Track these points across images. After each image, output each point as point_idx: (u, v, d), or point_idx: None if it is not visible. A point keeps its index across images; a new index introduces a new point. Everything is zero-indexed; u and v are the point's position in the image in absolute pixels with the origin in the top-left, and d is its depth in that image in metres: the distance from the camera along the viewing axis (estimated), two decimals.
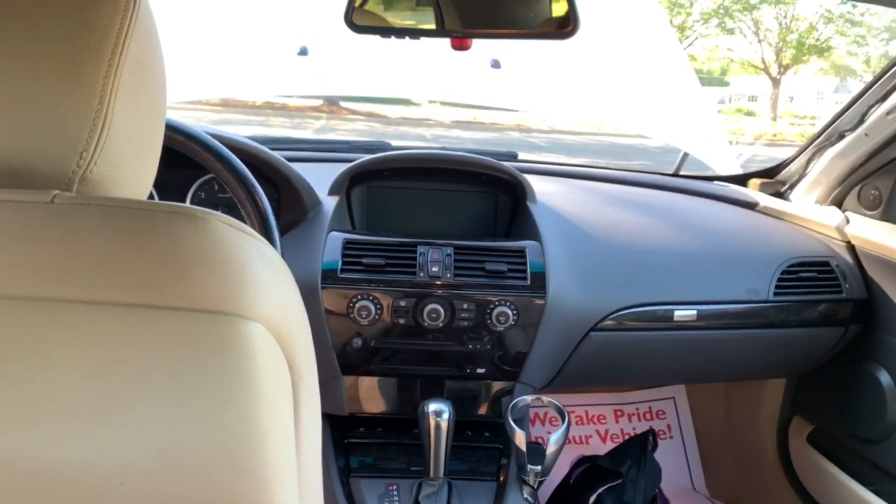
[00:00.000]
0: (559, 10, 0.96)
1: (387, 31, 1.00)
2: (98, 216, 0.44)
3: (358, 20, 0.98)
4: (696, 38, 14.99)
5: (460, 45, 1.01)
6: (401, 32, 1.00)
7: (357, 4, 0.97)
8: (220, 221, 0.46)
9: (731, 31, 14.87)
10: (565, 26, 0.95)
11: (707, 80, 17.86)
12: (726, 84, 18.32)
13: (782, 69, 14.59)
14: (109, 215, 0.44)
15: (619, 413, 2.02)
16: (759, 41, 14.58)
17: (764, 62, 14.76)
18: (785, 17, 14.25)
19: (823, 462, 1.57)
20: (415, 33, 1.00)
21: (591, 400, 2.03)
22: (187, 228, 0.44)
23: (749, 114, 16.25)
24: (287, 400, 0.47)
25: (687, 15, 14.26)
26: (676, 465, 1.98)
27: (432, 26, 0.99)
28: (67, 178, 0.46)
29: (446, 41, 1.03)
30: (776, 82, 14.61)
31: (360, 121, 12.12)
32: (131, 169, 0.51)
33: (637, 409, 2.03)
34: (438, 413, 1.18)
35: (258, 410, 0.42)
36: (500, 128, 12.08)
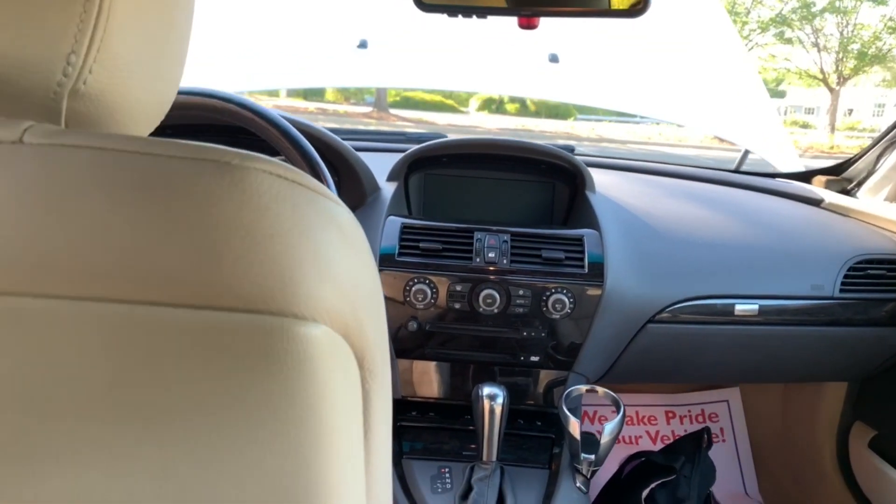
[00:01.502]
0: None
1: (455, 9, 1.00)
2: (86, 166, 0.30)
3: None
4: (753, 48, 14.68)
5: (528, 23, 1.01)
6: (468, 11, 1.00)
7: None
8: (267, 171, 0.33)
9: (789, 41, 14.53)
10: (636, 5, 0.94)
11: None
12: (782, 95, 17.90)
13: (842, 80, 14.17)
14: (103, 164, 0.30)
15: (670, 415, 1.99)
16: (819, 51, 14.20)
17: (822, 72, 14.37)
18: (846, 25, 13.85)
19: (886, 468, 1.51)
20: (482, 11, 1.00)
21: (642, 401, 2.00)
22: (219, 185, 0.31)
23: (805, 126, 15.85)
24: (356, 409, 0.36)
25: (743, 24, 13.99)
26: (729, 469, 1.93)
27: (501, 4, 0.99)
28: (52, 95, 0.34)
29: (512, 24, 1.03)
30: (835, 93, 14.20)
31: (409, 127, 12.27)
32: (141, 83, 0.38)
33: (689, 410, 1.99)
34: (493, 397, 1.18)
35: (318, 441, 0.31)
36: (548, 136, 12.08)
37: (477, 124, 13.31)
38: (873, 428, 1.59)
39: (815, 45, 14.17)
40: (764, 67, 16.43)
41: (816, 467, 1.74)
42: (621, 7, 0.95)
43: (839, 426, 1.68)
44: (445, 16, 1.05)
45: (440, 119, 13.39)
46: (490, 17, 1.03)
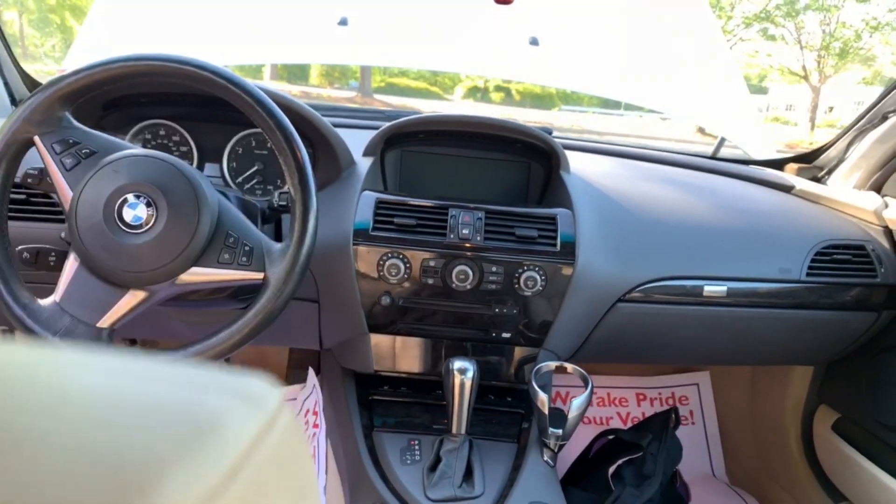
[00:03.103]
0: None
1: None
2: None
3: None
4: (736, 43, 14.76)
5: (504, 0, 1.02)
6: None
7: None
8: None
9: (772, 38, 14.62)
10: None
11: (745, 86, 17.56)
12: (765, 91, 18.03)
13: (823, 77, 14.31)
14: None
15: (641, 397, 2.02)
16: (801, 48, 14.31)
17: (805, 70, 14.49)
18: (829, 24, 13.97)
19: (849, 451, 1.55)
20: None
21: (613, 382, 2.03)
22: None
23: (786, 123, 15.99)
24: None
25: (728, 18, 14.06)
26: (697, 451, 1.96)
27: None
28: None
29: (490, 5, 1.04)
30: (816, 91, 14.34)
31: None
32: None
33: (660, 393, 2.02)
34: (463, 370, 1.19)
35: None
36: (532, 125, 12.08)
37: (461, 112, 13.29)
38: (837, 411, 1.63)
39: (798, 42, 14.28)
40: (748, 63, 16.53)
41: (782, 449, 1.77)
42: None
43: (804, 409, 1.71)
44: None
45: (424, 106, 13.36)
46: None
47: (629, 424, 1.96)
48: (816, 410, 1.69)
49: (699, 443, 1.97)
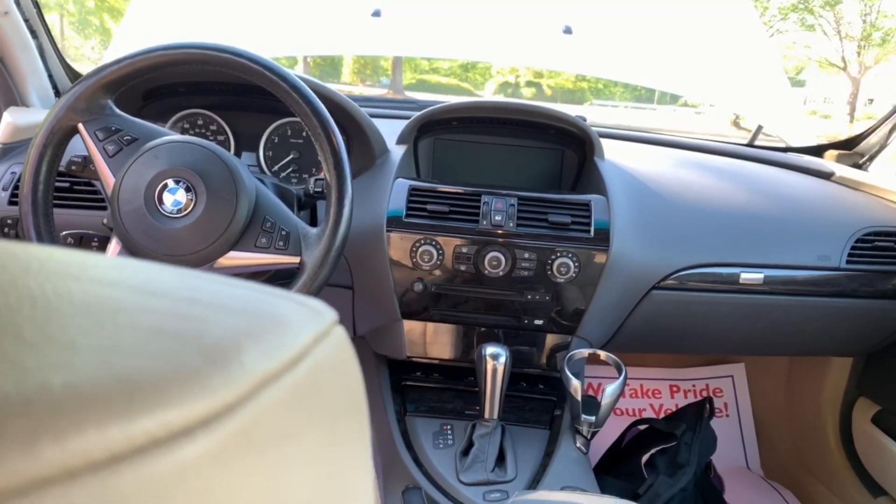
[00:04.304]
0: None
1: None
2: None
3: None
4: (774, 34, 14.46)
5: None
6: None
7: None
8: None
9: (811, 28, 14.29)
10: None
11: None
12: (802, 84, 17.65)
13: (862, 69, 13.94)
14: None
15: (675, 389, 2.00)
16: (840, 39, 13.96)
17: (844, 61, 14.14)
18: (869, 13, 13.61)
19: (890, 444, 1.51)
20: None
21: (647, 374, 2.01)
22: None
23: (825, 117, 15.62)
24: None
25: (764, 9, 13.78)
26: (731, 444, 1.94)
27: None
28: None
29: None
30: (856, 82, 13.98)
31: None
32: None
33: (694, 385, 2.00)
34: (495, 356, 1.20)
35: None
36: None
37: None
38: (877, 403, 1.60)
39: (837, 33, 13.92)
40: (784, 55, 16.19)
41: (819, 443, 1.74)
42: None
43: (843, 402, 1.68)
44: None
45: (455, 101, 13.34)
46: None
47: (662, 416, 1.94)
48: (856, 403, 1.66)
49: (734, 435, 1.95)
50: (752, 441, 1.95)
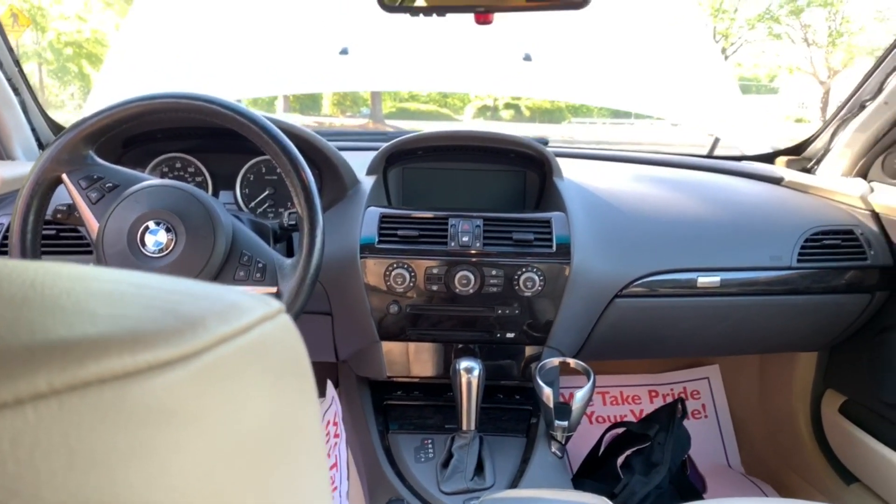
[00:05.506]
0: None
1: (415, 9, 1.09)
2: None
3: (389, 0, 1.08)
4: (742, 45, 14.79)
5: (483, 19, 1.10)
6: (428, 10, 1.10)
7: None
8: None
9: (778, 36, 14.62)
10: None
11: (755, 87, 17.58)
12: (775, 91, 17.98)
13: (831, 73, 14.26)
14: None
15: (653, 393, 2.06)
16: (808, 45, 14.30)
17: (813, 66, 14.46)
18: (833, 19, 13.96)
19: (856, 431, 1.58)
20: (441, 10, 1.09)
21: (626, 381, 2.08)
22: None
23: (799, 120, 15.92)
24: None
25: (731, 21, 14.10)
26: (712, 443, 2.00)
27: (458, 3, 1.08)
28: None
29: (478, 25, 1.12)
30: (825, 86, 14.29)
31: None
32: None
33: (671, 389, 2.06)
34: (469, 370, 1.26)
35: None
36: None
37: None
38: (843, 394, 1.67)
39: (805, 39, 14.28)
40: (755, 64, 16.52)
41: (792, 435, 1.81)
42: (564, 2, 1.04)
43: (812, 394, 1.75)
44: (418, 18, 1.14)
45: (435, 128, 13.49)
46: (449, 16, 1.12)
47: None
48: (824, 395, 1.73)
49: (713, 434, 2.01)
50: (731, 439, 2.01)
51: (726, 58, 15.68)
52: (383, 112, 13.07)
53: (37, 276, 0.25)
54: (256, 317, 0.28)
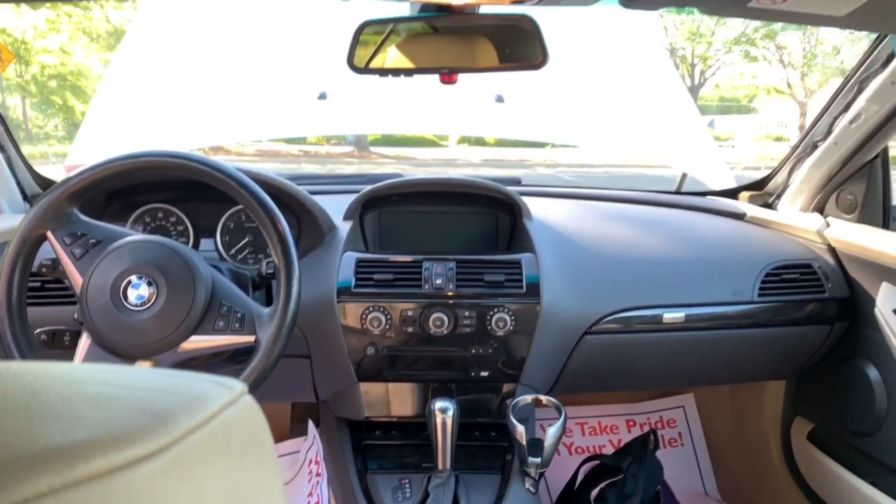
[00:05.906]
0: (531, 47, 1.11)
1: (385, 71, 1.16)
2: None
3: (358, 63, 1.15)
4: (720, 67, 15.08)
5: (448, 80, 1.17)
6: (397, 72, 1.16)
7: (357, 49, 1.13)
8: None
9: (754, 59, 14.94)
10: (536, 59, 1.10)
11: (735, 107, 17.89)
12: (755, 111, 18.27)
13: (808, 93, 14.56)
14: None
15: (630, 423, 2.11)
16: (784, 66, 14.62)
17: (790, 86, 14.77)
18: (808, 41, 14.30)
19: (824, 458, 1.63)
20: (409, 72, 1.15)
21: (603, 412, 2.12)
22: None
23: (778, 139, 16.19)
24: None
25: (708, 45, 14.40)
26: (688, 471, 2.05)
27: (424, 65, 1.14)
28: None
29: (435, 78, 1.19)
30: (803, 106, 14.58)
31: (391, 164, 12.48)
32: None
33: (648, 418, 2.11)
34: (444, 410, 1.30)
35: None
36: (528, 164, 12.31)
37: (457, 157, 13.54)
38: (811, 421, 1.72)
39: (781, 61, 14.60)
40: (734, 86, 16.83)
41: (765, 463, 1.86)
42: (525, 63, 1.11)
43: (782, 422, 1.80)
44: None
45: (421, 154, 13.57)
46: (416, 76, 1.18)
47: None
48: (793, 422, 1.78)
49: (689, 462, 2.06)
50: (707, 466, 2.06)
51: (705, 80, 15.99)
52: (368, 139, 13.14)
53: (35, 382, 0.30)
54: (220, 405, 0.33)
